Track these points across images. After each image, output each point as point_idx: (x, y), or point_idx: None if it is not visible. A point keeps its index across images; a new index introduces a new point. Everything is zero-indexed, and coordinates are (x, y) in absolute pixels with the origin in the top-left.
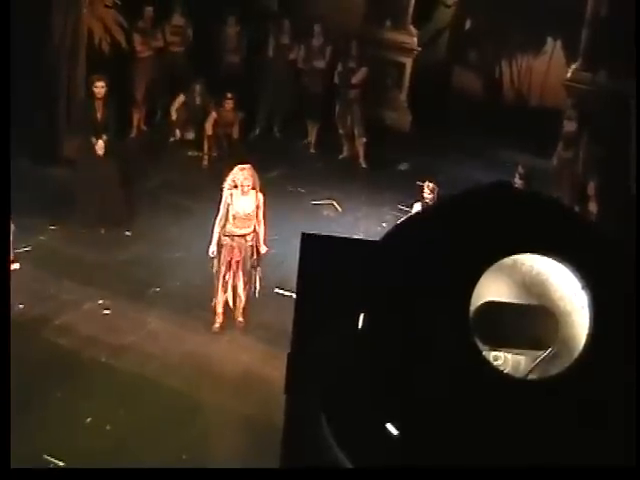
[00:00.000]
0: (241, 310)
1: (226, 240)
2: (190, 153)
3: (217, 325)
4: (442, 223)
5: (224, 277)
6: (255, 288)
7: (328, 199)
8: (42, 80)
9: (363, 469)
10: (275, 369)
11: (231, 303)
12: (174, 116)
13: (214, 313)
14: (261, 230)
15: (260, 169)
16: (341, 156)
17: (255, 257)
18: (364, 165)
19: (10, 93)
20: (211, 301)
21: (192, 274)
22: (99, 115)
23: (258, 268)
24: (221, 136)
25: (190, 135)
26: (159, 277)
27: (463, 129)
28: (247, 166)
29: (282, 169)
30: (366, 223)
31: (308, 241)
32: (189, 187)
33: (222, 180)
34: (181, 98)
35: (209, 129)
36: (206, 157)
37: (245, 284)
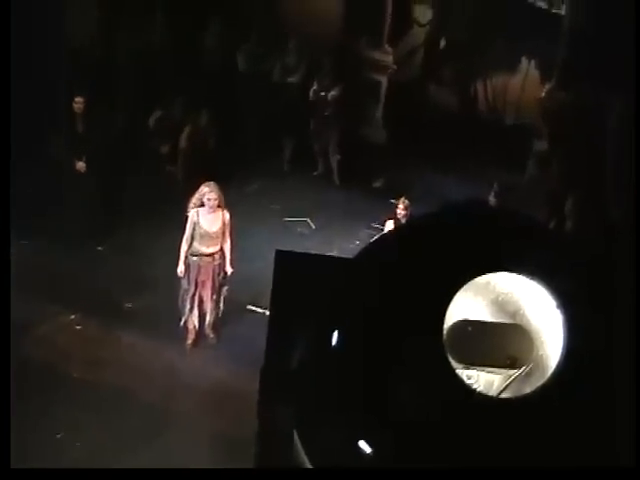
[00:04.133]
0: (212, 327)
1: (193, 259)
2: (168, 168)
3: (189, 342)
4: (416, 241)
5: (193, 296)
6: (219, 308)
7: (302, 217)
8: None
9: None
10: (247, 385)
11: (200, 322)
12: (151, 127)
13: (186, 330)
14: (227, 248)
15: (234, 185)
16: (316, 172)
17: (222, 276)
18: (338, 182)
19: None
20: (181, 319)
21: (165, 289)
22: (80, 130)
23: (224, 287)
24: (196, 150)
25: (165, 149)
26: (132, 293)
27: (438, 146)
28: (211, 183)
29: (256, 185)
30: (340, 240)
31: (282, 258)
32: (163, 201)
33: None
34: (158, 113)
35: (183, 143)
36: (180, 172)
37: (213, 302)
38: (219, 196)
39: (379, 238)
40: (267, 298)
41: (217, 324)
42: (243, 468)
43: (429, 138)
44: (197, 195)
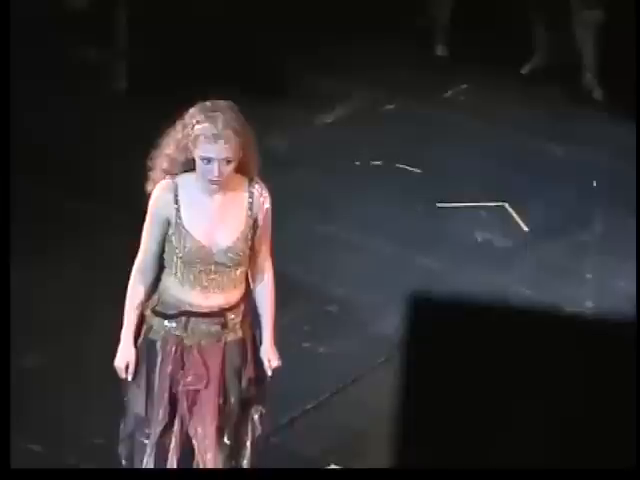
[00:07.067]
0: None
1: (166, 327)
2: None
3: None
4: None
5: (162, 437)
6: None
7: (492, 200)
8: None
9: None
10: None
11: None
12: None
13: None
14: (267, 297)
15: (289, 110)
16: (527, 68)
17: (250, 378)
18: (598, 97)
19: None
20: None
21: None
22: None
23: (257, 412)
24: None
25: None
26: None
27: None
28: (225, 104)
29: (350, 106)
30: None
31: (422, 314)
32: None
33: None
34: None
35: None
36: (119, 73)
37: (225, 454)
38: (246, 143)
39: None
40: (377, 439)
41: None
42: (244, 468)
43: None
44: (178, 137)
